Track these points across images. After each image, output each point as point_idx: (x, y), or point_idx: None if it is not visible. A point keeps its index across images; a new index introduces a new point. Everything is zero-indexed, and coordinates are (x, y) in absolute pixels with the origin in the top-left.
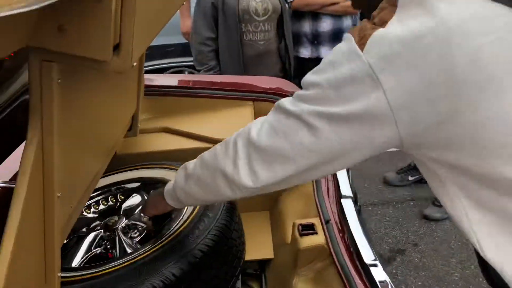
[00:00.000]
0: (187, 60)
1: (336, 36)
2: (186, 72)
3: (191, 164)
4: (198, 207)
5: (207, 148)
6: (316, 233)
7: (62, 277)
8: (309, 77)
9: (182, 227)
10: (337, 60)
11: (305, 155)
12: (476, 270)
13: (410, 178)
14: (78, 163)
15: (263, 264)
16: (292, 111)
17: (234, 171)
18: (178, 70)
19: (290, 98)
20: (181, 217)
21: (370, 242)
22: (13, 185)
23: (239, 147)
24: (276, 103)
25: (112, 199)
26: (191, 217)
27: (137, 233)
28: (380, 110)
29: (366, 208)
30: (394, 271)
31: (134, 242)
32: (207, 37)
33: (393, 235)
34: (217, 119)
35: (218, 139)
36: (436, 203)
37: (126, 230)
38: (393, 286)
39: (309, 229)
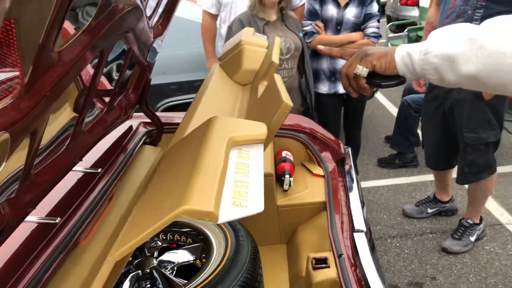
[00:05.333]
0: None
1: None
2: None
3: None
4: (227, 254)
5: None
6: (328, 266)
7: None
8: None
9: (220, 266)
10: None
11: None
12: None
13: (429, 211)
14: None
15: None
16: None
17: None
18: None
19: None
20: (213, 260)
21: (382, 276)
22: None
23: None
24: None
25: None
26: (222, 264)
27: (169, 271)
28: None
29: (385, 240)
30: None
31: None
32: None
33: (411, 268)
34: None
35: None
36: (455, 235)
37: (160, 268)
38: None
39: (322, 262)
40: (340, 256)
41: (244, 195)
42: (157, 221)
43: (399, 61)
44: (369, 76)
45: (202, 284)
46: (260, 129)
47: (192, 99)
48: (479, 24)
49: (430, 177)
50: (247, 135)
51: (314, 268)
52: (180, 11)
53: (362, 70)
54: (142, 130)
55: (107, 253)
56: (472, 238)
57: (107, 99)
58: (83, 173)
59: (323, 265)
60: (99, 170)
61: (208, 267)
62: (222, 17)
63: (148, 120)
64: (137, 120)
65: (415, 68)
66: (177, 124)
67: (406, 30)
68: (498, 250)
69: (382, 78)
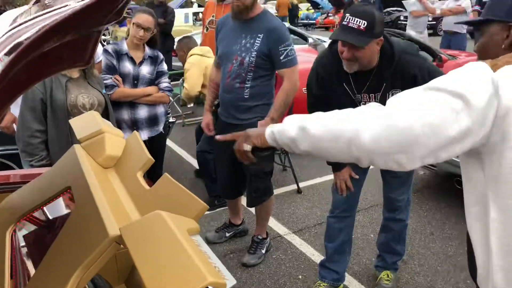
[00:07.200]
0: None
1: (152, 121)
2: None
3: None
4: None
5: None
6: None
7: None
8: None
9: None
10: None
11: None
12: None
13: (227, 234)
14: None
15: None
16: None
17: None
18: None
19: None
20: None
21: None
22: None
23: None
24: None
25: None
26: None
27: None
28: None
29: None
30: None
31: None
32: (37, 129)
33: None
34: None
35: None
36: (250, 251)
37: None
38: None
39: None
40: None
41: (220, 272)
42: None
43: (268, 138)
44: (253, 149)
45: None
46: (194, 223)
47: None
48: (249, 83)
49: (222, 207)
50: (193, 228)
51: None
52: None
53: (247, 147)
54: None
55: None
56: (263, 251)
57: None
58: None
59: None
60: None
61: None
62: None
63: None
64: None
65: (278, 142)
66: (8, 184)
67: (181, 79)
68: (282, 256)
69: (261, 150)
